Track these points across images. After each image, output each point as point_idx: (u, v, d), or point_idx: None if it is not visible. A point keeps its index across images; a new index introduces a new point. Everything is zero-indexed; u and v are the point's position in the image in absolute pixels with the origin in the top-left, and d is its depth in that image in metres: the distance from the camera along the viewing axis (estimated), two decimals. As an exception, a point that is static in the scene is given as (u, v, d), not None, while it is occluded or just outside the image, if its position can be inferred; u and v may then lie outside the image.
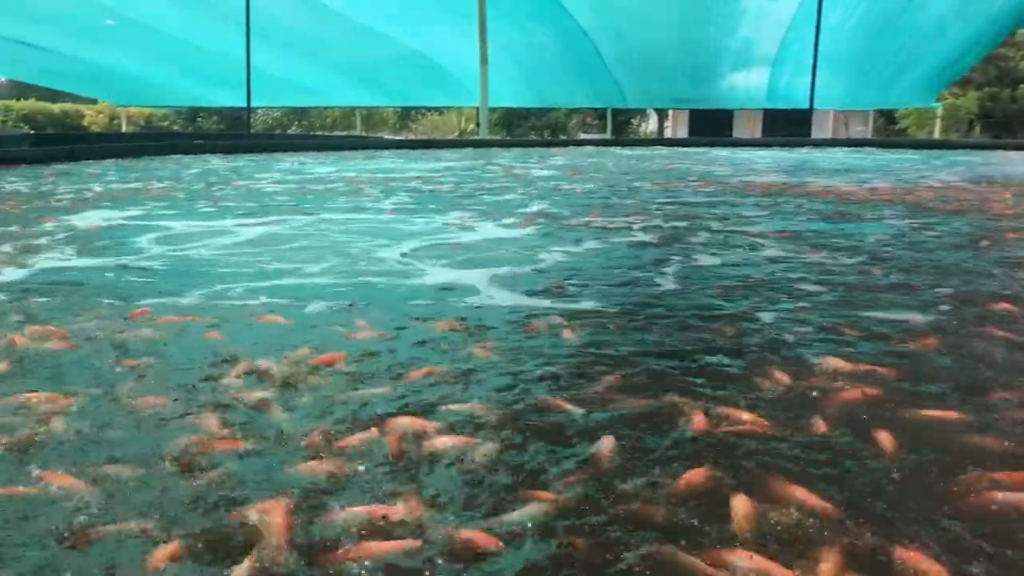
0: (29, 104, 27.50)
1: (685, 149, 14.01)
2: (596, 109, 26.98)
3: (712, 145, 15.04)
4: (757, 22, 18.14)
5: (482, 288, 2.80)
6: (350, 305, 2.52)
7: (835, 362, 1.89)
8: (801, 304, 2.54)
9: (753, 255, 3.47)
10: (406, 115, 32.70)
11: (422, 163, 9.84)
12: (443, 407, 1.61)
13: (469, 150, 13.10)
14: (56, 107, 28.11)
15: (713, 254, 3.49)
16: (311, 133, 25.97)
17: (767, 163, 10.20)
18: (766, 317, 2.37)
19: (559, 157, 11.41)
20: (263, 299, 2.59)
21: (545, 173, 8.37)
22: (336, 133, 26.26)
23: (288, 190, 6.33)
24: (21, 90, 29.10)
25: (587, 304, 2.56)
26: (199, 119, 29.02)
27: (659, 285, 2.87)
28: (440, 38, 18.18)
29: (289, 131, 28.18)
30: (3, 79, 19.74)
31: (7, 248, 3.47)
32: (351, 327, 2.24)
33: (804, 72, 17.20)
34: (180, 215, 4.71)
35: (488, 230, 4.24)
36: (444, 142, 16.00)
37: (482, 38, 14.66)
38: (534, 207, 5.27)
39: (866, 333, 2.18)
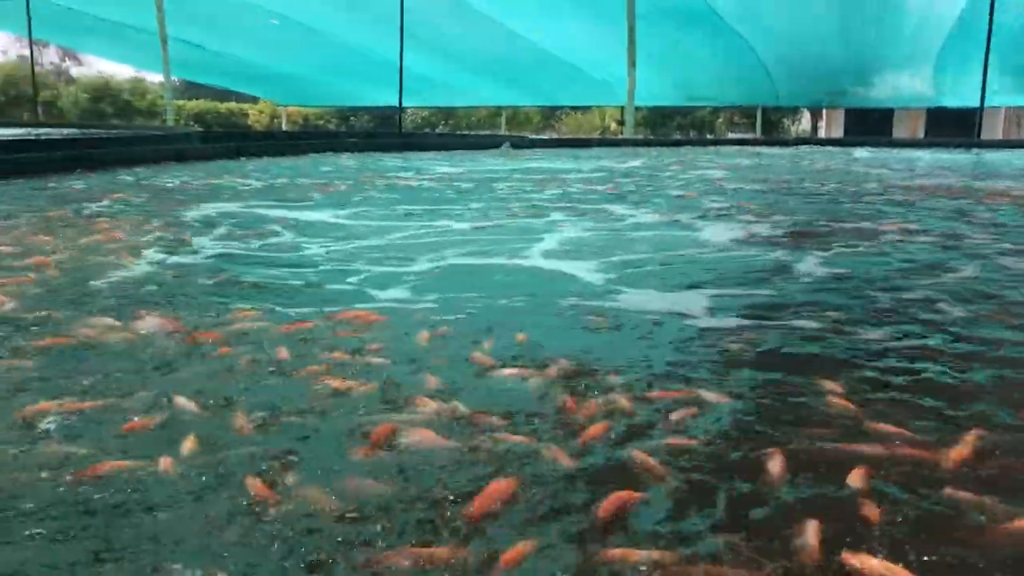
0: (199, 104, 29.33)
1: (852, 149, 13.37)
2: (744, 108, 26.22)
3: (877, 145, 14.31)
4: (921, 18, 17.11)
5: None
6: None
7: None
8: None
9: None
10: (550, 114, 32.79)
11: (579, 162, 9.79)
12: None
13: (619, 149, 12.96)
14: (223, 106, 29.85)
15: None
16: (457, 132, 26.45)
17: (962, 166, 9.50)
18: None
19: (717, 156, 11.11)
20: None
21: (718, 174, 8.15)
22: (481, 132, 26.62)
23: (516, 189, 6.46)
24: (192, 91, 31.06)
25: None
26: (352, 119, 30.09)
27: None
28: (585, 38, 18.11)
29: (436, 130, 28.81)
30: (176, 80, 21.05)
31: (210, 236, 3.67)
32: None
33: (970, 70, 16.09)
34: (382, 215, 4.86)
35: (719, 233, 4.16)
36: (594, 141, 15.94)
37: (631, 37, 14.49)
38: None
39: None
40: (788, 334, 2.24)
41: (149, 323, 2.23)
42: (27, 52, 28.44)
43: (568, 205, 5.34)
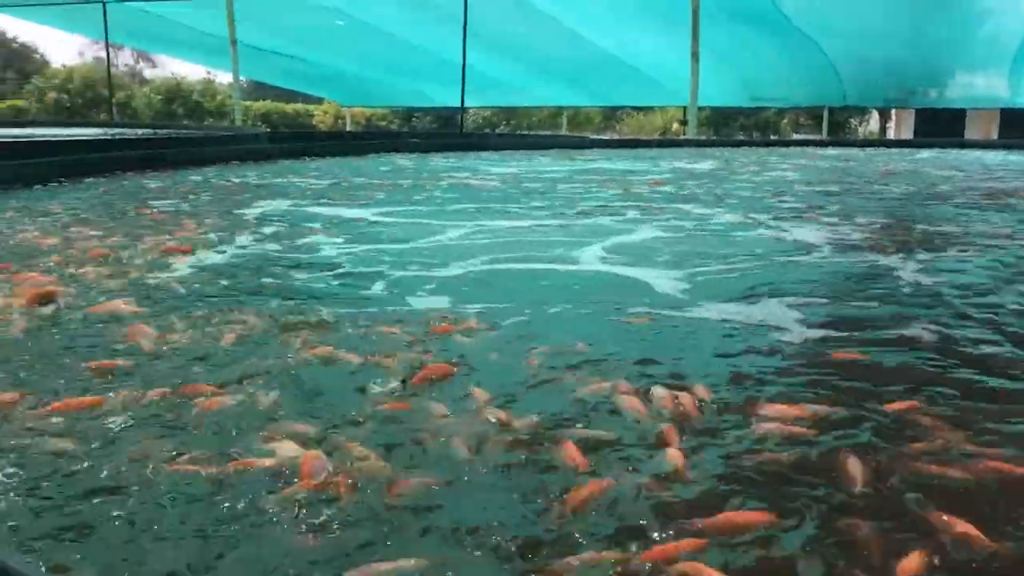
0: (265, 104, 29.96)
1: (923, 150, 13.03)
2: (811, 108, 25.72)
3: (949, 146, 13.92)
4: (997, 19, 16.58)
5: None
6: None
7: None
8: None
9: None
10: (611, 115, 32.64)
11: (644, 163, 9.72)
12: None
13: (682, 150, 12.84)
14: (289, 107, 30.43)
15: None
16: (517, 132, 26.51)
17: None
18: None
19: (784, 157, 10.93)
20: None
21: (791, 175, 8.03)
22: (542, 132, 26.65)
23: (583, 190, 6.47)
24: (259, 91, 31.73)
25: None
26: (414, 119, 30.37)
27: None
28: (648, 38, 17.97)
29: (497, 130, 28.91)
30: (244, 81, 21.54)
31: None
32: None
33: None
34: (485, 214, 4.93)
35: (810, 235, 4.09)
36: (655, 141, 15.84)
37: (694, 36, 14.35)
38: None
39: None
40: (902, 350, 2.10)
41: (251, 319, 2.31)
42: (103, 54, 29.45)
43: (639, 205, 5.31)
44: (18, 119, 22.79)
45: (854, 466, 1.37)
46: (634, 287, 2.87)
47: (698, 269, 3.18)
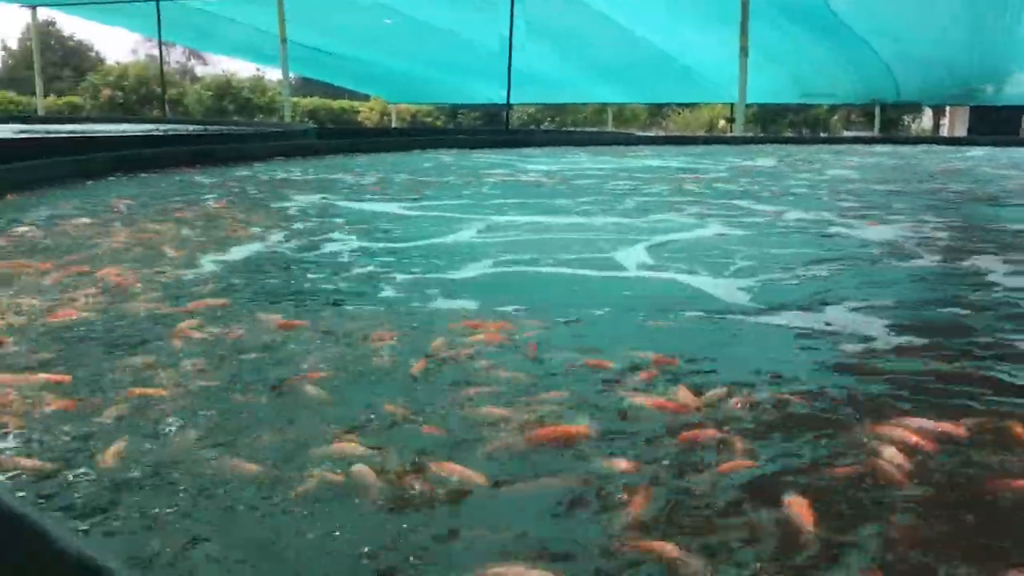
0: (312, 101, 30.30)
1: (979, 148, 12.70)
2: (862, 105, 25.26)
3: (1007, 145, 13.55)
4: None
5: None
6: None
7: None
8: None
9: None
10: (656, 111, 32.41)
11: (694, 159, 9.59)
12: None
13: (732, 147, 12.65)
14: (335, 104, 30.74)
15: None
16: (563, 129, 26.45)
17: None
18: None
19: (837, 154, 10.72)
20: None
21: (847, 172, 7.87)
22: (588, 129, 26.55)
23: (633, 187, 6.45)
24: (307, 88, 32.09)
25: None
26: (459, 115, 30.46)
27: None
28: (696, 34, 17.78)
29: (542, 126, 28.88)
30: (292, 77, 21.79)
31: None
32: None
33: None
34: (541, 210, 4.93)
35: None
36: (701, 138, 15.68)
37: (743, 31, 14.16)
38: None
39: None
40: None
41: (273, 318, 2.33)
42: (155, 52, 30.02)
43: (695, 201, 5.24)
44: (73, 115, 23.35)
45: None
46: (698, 291, 2.75)
47: (771, 271, 3.05)
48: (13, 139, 7.41)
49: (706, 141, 14.86)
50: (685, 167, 8.42)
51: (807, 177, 7.33)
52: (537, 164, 8.57)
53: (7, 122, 14.35)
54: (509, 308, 2.42)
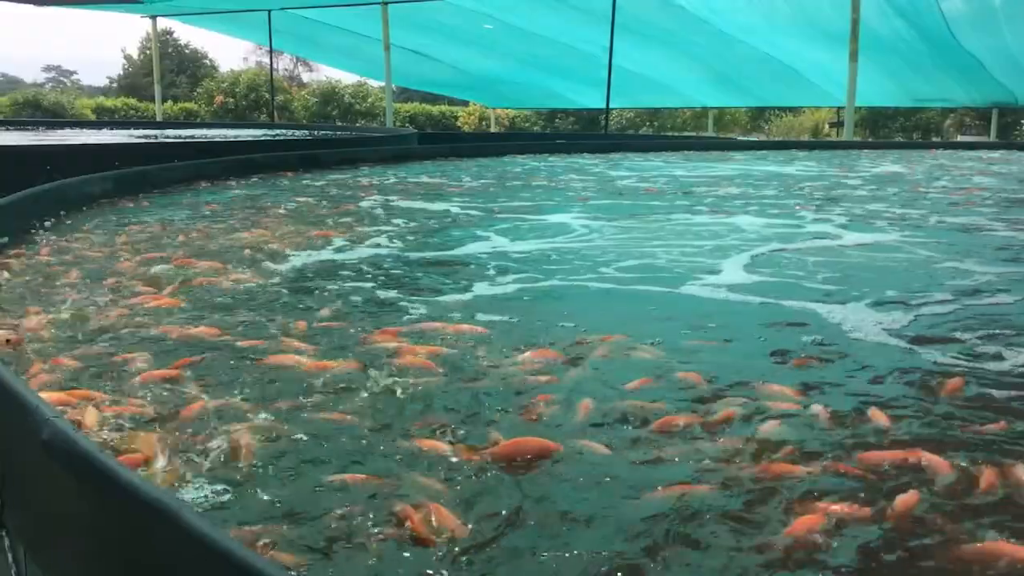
0: (413, 106, 30.90)
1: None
2: (977, 109, 24.15)
3: None
4: None
5: None
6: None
7: None
8: None
9: None
10: (758, 115, 31.77)
11: (806, 165, 9.29)
12: None
13: (844, 152, 12.20)
14: (435, 109, 31.28)
15: None
16: (661, 134, 26.17)
17: None
18: None
19: (958, 160, 10.19)
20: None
21: (983, 180, 7.42)
22: (687, 133, 26.23)
23: (748, 194, 6.38)
24: (407, 93, 32.76)
25: None
26: (557, 120, 30.52)
27: None
28: (801, 36, 17.34)
29: (640, 131, 28.66)
30: (395, 86, 22.24)
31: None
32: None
33: None
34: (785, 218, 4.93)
35: None
36: (810, 143, 15.28)
37: (854, 35, 13.73)
38: None
39: None
40: None
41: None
42: (265, 59, 31.14)
43: (812, 211, 5.07)
44: (188, 120, 24.43)
45: None
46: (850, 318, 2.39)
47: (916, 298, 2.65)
48: (144, 143, 7.81)
49: (814, 146, 14.46)
50: (802, 174, 8.19)
51: (940, 186, 7.01)
52: (645, 171, 8.50)
53: (128, 127, 15.12)
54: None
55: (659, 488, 1.27)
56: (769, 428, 1.51)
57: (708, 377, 1.80)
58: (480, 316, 2.34)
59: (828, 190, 6.39)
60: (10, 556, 1.16)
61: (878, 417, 1.56)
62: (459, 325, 2.22)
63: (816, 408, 1.60)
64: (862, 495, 1.26)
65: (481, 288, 2.76)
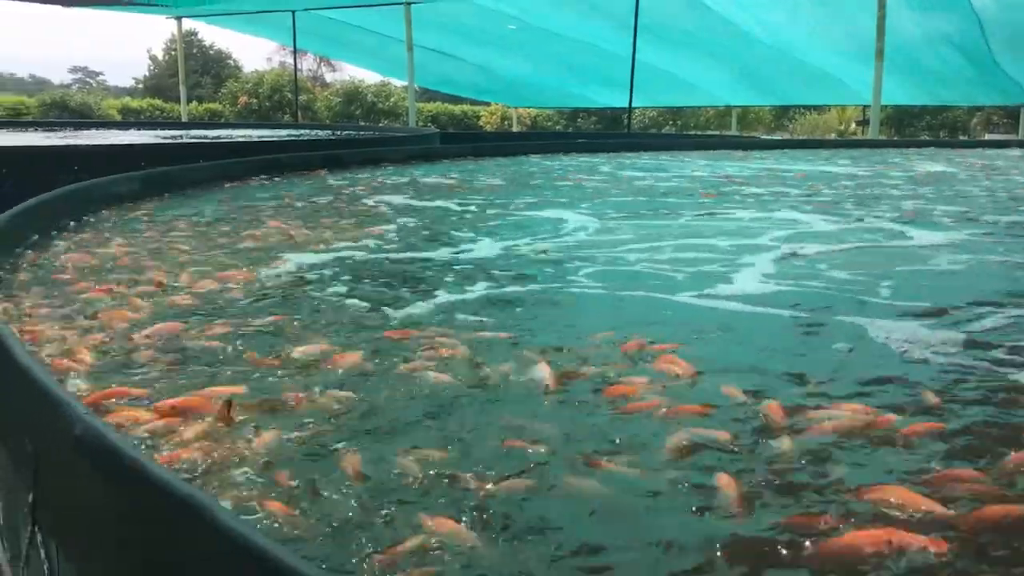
0: (435, 106, 30.98)
1: None
2: (1004, 107, 23.85)
3: None
4: None
5: None
6: None
7: None
8: None
9: None
10: (782, 114, 31.56)
11: (837, 164, 9.15)
12: None
13: (874, 152, 12.02)
14: (457, 108, 31.34)
15: None
16: (684, 133, 26.07)
17: None
18: None
19: (989, 159, 10.00)
20: None
21: None
22: (710, 132, 26.09)
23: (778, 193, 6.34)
24: (429, 93, 32.85)
25: None
26: (579, 119, 30.48)
27: None
28: (826, 34, 17.21)
29: (663, 130, 28.56)
30: (417, 86, 22.30)
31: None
32: None
33: None
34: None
35: None
36: (837, 142, 15.15)
37: (880, 32, 13.59)
38: None
39: None
40: None
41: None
42: (289, 60, 31.34)
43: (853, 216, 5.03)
44: (212, 121, 24.63)
45: None
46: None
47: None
48: (170, 144, 7.87)
49: (840, 145, 14.32)
50: (839, 172, 8.11)
51: (983, 186, 6.91)
52: (671, 170, 8.46)
53: (154, 127, 15.27)
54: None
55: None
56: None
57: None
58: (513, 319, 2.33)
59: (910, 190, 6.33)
60: (43, 552, 1.17)
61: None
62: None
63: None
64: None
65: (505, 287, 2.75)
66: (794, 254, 3.33)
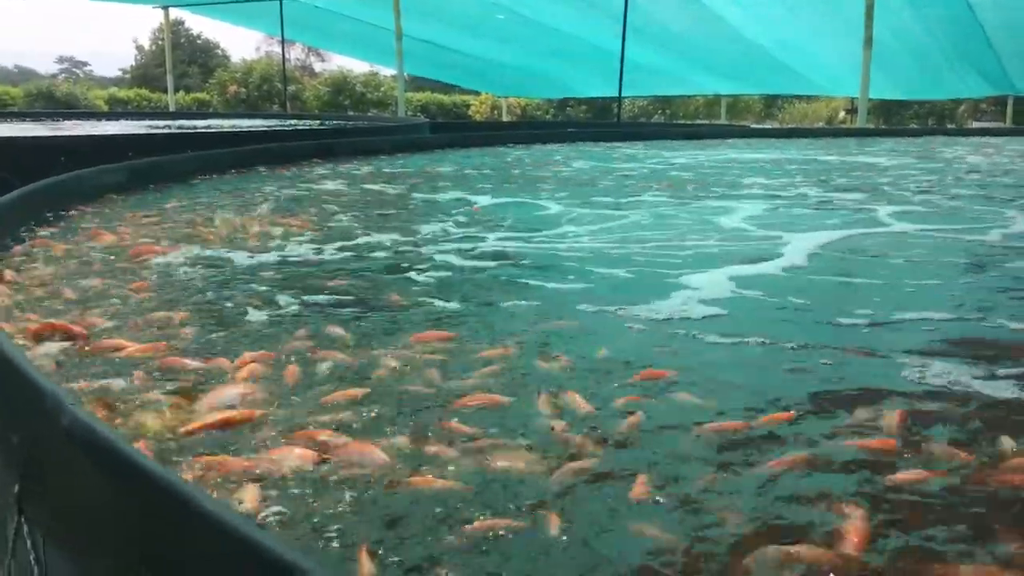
0: (424, 95, 30.88)
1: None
2: (991, 97, 23.96)
3: None
4: None
5: None
6: None
7: None
8: None
9: None
10: (771, 103, 31.63)
11: (834, 152, 9.15)
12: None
13: (858, 139, 12.07)
14: (446, 98, 31.25)
15: None
16: (674, 122, 26.09)
17: None
18: None
19: (976, 147, 10.03)
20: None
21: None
22: (700, 121, 26.12)
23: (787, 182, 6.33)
24: (417, 83, 32.75)
25: None
26: (569, 108, 30.46)
27: None
28: (815, 22, 17.23)
29: (652, 119, 28.58)
30: (408, 75, 22.23)
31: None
32: None
33: None
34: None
35: None
36: (825, 130, 15.19)
37: (868, 16, 13.59)
38: None
39: None
40: None
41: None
42: (276, 49, 31.18)
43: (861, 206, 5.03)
44: (201, 111, 24.51)
45: None
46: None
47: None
48: (155, 134, 7.81)
49: (828, 133, 14.37)
50: (820, 159, 8.12)
51: (979, 172, 6.90)
52: (669, 159, 8.45)
53: (142, 118, 15.17)
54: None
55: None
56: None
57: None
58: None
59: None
60: (29, 542, 1.16)
61: None
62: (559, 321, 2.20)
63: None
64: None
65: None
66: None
